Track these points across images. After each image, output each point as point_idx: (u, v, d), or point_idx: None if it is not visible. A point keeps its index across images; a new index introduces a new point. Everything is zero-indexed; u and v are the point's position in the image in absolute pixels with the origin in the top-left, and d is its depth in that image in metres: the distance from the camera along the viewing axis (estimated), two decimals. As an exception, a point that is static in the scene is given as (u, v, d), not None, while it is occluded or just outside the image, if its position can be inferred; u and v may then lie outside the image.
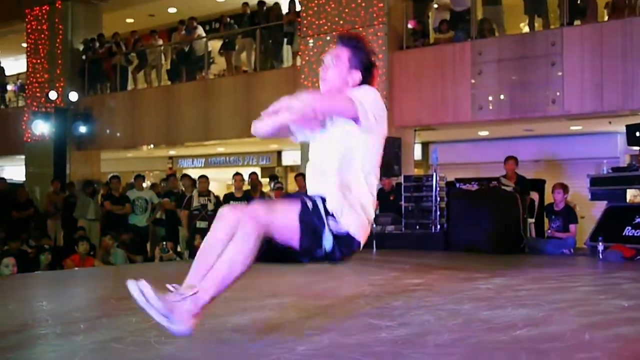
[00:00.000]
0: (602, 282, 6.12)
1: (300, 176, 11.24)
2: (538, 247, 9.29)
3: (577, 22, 11.09)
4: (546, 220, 9.75)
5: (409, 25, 12.55)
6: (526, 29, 12.14)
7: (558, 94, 10.62)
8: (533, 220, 9.89)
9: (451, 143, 15.24)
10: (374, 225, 9.94)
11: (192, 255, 9.72)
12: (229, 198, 10.48)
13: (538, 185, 10.35)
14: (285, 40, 14.06)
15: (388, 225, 10.04)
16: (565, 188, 9.31)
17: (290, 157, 17.85)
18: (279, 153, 18.55)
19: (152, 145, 16.97)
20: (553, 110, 10.80)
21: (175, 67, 15.70)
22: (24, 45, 18.01)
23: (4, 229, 11.17)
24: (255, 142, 16.27)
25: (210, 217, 10.23)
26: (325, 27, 12.50)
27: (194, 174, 12.18)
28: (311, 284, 5.78)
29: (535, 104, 10.93)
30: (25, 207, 12.68)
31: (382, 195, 10.71)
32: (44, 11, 17.09)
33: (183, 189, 11.30)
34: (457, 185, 9.84)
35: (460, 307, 4.33)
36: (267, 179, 13.33)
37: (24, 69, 18.10)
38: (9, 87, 20.14)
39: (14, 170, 21.08)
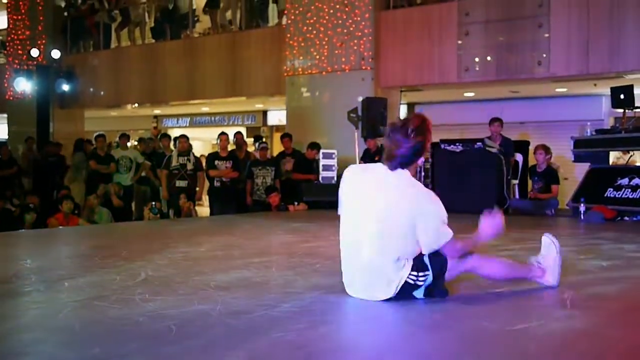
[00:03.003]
0: (583, 242, 6.20)
1: (287, 137, 11.21)
2: (521, 208, 9.38)
3: (564, -17, 11.02)
4: (529, 182, 9.83)
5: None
6: (514, -10, 12.04)
7: (544, 55, 10.60)
8: (517, 181, 9.96)
9: (437, 104, 15.23)
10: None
11: (177, 214, 9.76)
12: (213, 157, 10.45)
13: (522, 147, 10.39)
14: (271, -2, 13.90)
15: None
16: (547, 149, 9.36)
17: (276, 117, 17.78)
18: (265, 113, 18.46)
19: (136, 104, 16.82)
20: (539, 72, 10.79)
21: (160, 25, 15.47)
22: (4, 1, 17.66)
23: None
24: (240, 102, 16.18)
25: (189, 177, 10.22)
26: (312, -15, 12.35)
27: (179, 133, 12.10)
28: (296, 244, 5.82)
29: (521, 65, 10.91)
30: (9, 166, 12.58)
31: (367, 156, 10.72)
32: (24, -34, 16.72)
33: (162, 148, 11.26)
34: (442, 146, 9.86)
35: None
36: (252, 139, 13.29)
37: (5, 26, 17.77)
38: (-11, 44, 19.82)
39: (-3, 129, 20.89)
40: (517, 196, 9.83)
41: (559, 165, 11.01)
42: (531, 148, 10.42)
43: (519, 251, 5.18)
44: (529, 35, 10.73)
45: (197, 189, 10.46)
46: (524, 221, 8.13)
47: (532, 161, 9.98)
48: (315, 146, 10.76)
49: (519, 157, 10.07)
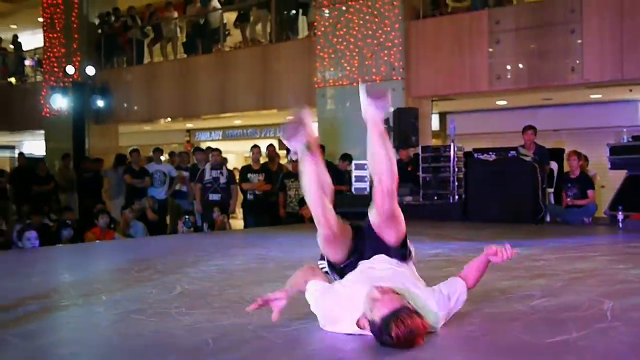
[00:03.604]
0: (622, 251, 6.10)
1: (320, 148, 11.22)
2: (557, 216, 9.26)
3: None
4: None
5: (426, -6, 12.41)
6: (545, -4, 11.95)
7: (577, 62, 10.47)
8: (552, 190, 9.83)
9: (469, 113, 15.12)
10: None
11: (211, 227, 9.82)
12: (246, 170, 10.50)
13: (557, 154, 10.26)
14: (301, 11, 13.96)
15: (406, 196, 10.03)
16: (579, 155, 9.25)
17: (308, 129, 17.80)
18: (296, 125, 18.48)
19: (169, 119, 17.01)
20: (572, 79, 10.66)
21: (191, 40, 15.66)
22: (41, 19, 18.04)
23: (27, 203, 11.31)
24: (271, 114, 16.26)
25: (222, 190, 10.27)
26: (341, -3, 12.40)
27: (212, 146, 12.20)
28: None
29: (554, 72, 10.79)
30: (46, 182, 12.80)
31: (399, 166, 10.64)
32: (59, -15, 17.08)
33: (196, 162, 11.35)
34: (475, 155, 9.78)
35: (478, 277, 4.33)
36: (285, 151, 13.33)
37: (41, 44, 18.16)
38: (27, 62, 20.22)
39: (34, 145, 21.28)
40: (552, 204, 9.71)
41: (596, 172, 10.84)
42: (566, 156, 10.30)
43: (556, 261, 5.11)
44: (561, 41, 10.61)
45: (231, 202, 10.51)
46: (560, 230, 8.02)
47: (567, 169, 9.86)
48: (347, 157, 10.76)
49: (553, 165, 9.95)
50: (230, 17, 15.48)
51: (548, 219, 9.32)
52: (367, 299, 2.56)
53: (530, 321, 3.05)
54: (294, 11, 14.12)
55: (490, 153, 9.56)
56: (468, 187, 9.75)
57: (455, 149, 9.90)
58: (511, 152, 9.36)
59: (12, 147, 23.44)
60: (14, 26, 21.67)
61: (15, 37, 20.42)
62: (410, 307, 2.55)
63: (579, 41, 10.44)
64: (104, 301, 3.75)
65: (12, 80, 20.03)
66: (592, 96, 13.22)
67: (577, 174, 9.20)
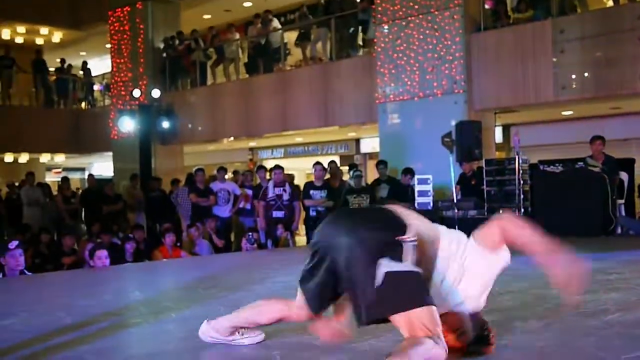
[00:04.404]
0: (700, 264, 5.86)
1: (381, 163, 11.23)
2: (630, 228, 8.97)
3: (665, -7, 10.60)
4: (637, 201, 9.39)
5: (487, 6, 12.27)
6: (610, 3, 11.66)
7: (646, 69, 10.16)
8: (623, 201, 9.53)
9: (533, 124, 14.83)
10: (456, 210, 9.83)
11: (275, 244, 9.90)
12: (309, 187, 10.56)
13: (627, 165, 9.95)
14: (360, 28, 14.02)
15: (470, 210, 9.90)
16: (657, 166, 8.96)
17: (369, 145, 17.80)
18: (357, 141, 18.53)
19: (232, 138, 17.27)
20: (641, 87, 10.35)
21: (253, 60, 15.90)
22: (108, 46, 18.67)
23: (97, 223, 11.63)
24: (333, 131, 16.33)
25: (285, 207, 10.34)
26: (400, 13, 12.37)
27: (274, 164, 12.31)
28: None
29: (622, 80, 10.49)
30: (115, 202, 13.16)
31: (463, 179, 10.56)
32: (125, 12, 17.63)
33: (259, 180, 11.46)
34: (541, 167, 9.59)
35: (548, 291, 4.23)
36: (347, 167, 13.36)
37: (109, 69, 18.78)
38: (96, 87, 20.95)
39: (103, 167, 21.94)
40: (623, 216, 9.41)
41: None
42: (637, 166, 9.99)
43: (630, 274, 4.95)
44: (629, 48, 10.32)
45: (294, 218, 10.57)
46: (633, 242, 7.77)
47: (638, 180, 9.56)
48: (409, 172, 10.70)
49: (624, 175, 9.64)
50: (291, 36, 15.67)
51: (619, 231, 9.04)
52: None
53: (605, 336, 2.97)
54: (353, 28, 14.19)
55: (557, 165, 9.36)
56: (534, 200, 9.56)
57: (520, 161, 9.72)
58: (579, 163, 9.14)
59: (83, 169, 24.22)
60: (83, 53, 22.46)
61: (85, 63, 21.16)
62: None
63: (647, 48, 10.14)
64: (173, 318, 3.82)
65: (82, 105, 20.76)
66: (662, 104, 12.80)
67: (654, 185, 8.91)
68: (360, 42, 14.05)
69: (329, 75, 13.98)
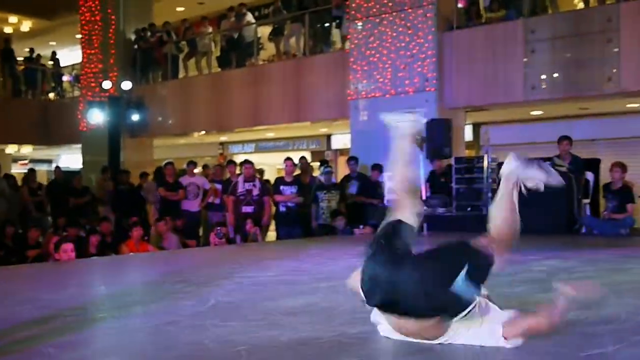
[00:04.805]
0: (661, 263, 5.97)
1: (352, 159, 11.25)
2: (593, 227, 9.11)
3: (634, -4, 10.76)
4: (602, 201, 9.54)
5: (459, 5, 12.35)
6: (581, 5, 11.81)
7: (614, 71, 10.31)
8: (588, 200, 9.67)
9: (503, 123, 14.99)
10: (424, 207, 9.89)
11: (244, 239, 9.87)
12: (279, 183, 10.54)
13: (593, 165, 10.10)
14: (334, 24, 14.02)
15: (439, 207, 9.97)
16: (623, 167, 9.09)
17: (341, 141, 17.83)
18: (329, 137, 18.55)
19: (203, 132, 17.18)
20: (609, 88, 10.49)
21: (225, 54, 15.81)
22: (79, 36, 18.39)
23: (63, 216, 11.49)
24: (304, 127, 16.32)
25: (255, 202, 10.31)
26: (374, 10, 12.39)
27: (245, 159, 12.27)
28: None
29: (590, 82, 10.63)
30: (82, 194, 13.00)
31: (433, 177, 10.63)
32: (96, 2, 17.36)
33: (229, 175, 11.40)
34: (510, 166, 9.68)
35: (512, 289, 4.29)
36: (318, 163, 13.36)
37: (79, 60, 18.51)
38: (65, 78, 20.64)
39: (71, 159, 21.67)
40: (588, 215, 9.55)
41: (634, 183, 10.64)
42: (602, 166, 10.13)
43: (593, 273, 5.03)
44: (598, 50, 10.47)
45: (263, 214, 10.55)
46: (596, 241, 7.90)
47: (603, 179, 9.70)
48: (378, 167, 10.76)
49: (589, 175, 9.79)
50: (264, 31, 15.61)
51: (584, 230, 9.18)
52: None
53: (567, 334, 3.01)
54: (327, 24, 14.19)
55: (525, 164, 9.45)
56: (502, 199, 9.64)
57: (489, 159, 9.81)
58: (546, 162, 9.24)
59: (50, 161, 23.88)
60: (53, 43, 22.14)
61: (54, 53, 20.87)
62: None
63: (616, 50, 10.29)
64: (139, 313, 3.79)
65: (51, 95, 20.46)
66: (629, 105, 12.99)
67: (619, 186, 9.04)
68: (338, 39, 14.04)
69: (302, 71, 13.96)
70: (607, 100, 11.68)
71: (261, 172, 14.96)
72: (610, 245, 7.30)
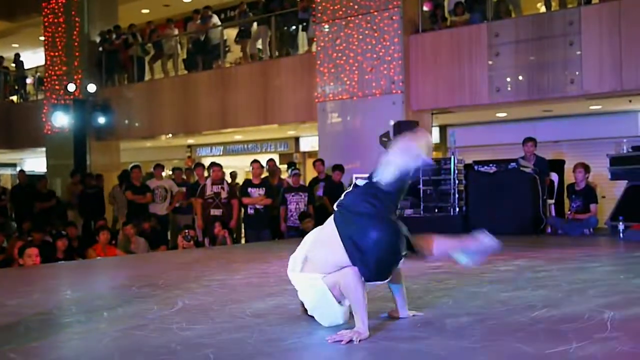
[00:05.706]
0: (623, 261, 6.09)
1: (319, 161, 11.26)
2: (558, 227, 9.26)
3: (595, 0, 10.96)
4: (567, 201, 9.69)
5: (425, 8, 12.47)
6: (543, 9, 12.01)
7: (577, 73, 10.51)
8: (553, 201, 9.84)
9: (469, 125, 15.16)
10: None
11: (212, 242, 9.82)
12: (247, 185, 10.51)
13: (557, 166, 10.28)
14: (301, 27, 14.05)
15: (407, 209, 10.03)
16: (586, 168, 9.26)
17: (308, 143, 17.86)
18: (297, 139, 18.57)
19: (170, 135, 17.06)
20: (572, 91, 10.69)
21: (192, 57, 15.74)
22: (42, 38, 18.14)
23: (28, 220, 11.31)
24: (272, 129, 16.31)
25: (223, 205, 10.27)
26: (340, 12, 12.44)
27: (213, 161, 12.21)
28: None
29: (553, 84, 10.83)
30: (48, 198, 12.82)
31: (400, 179, 10.68)
32: (60, 4, 17.16)
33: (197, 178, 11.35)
34: (476, 167, 9.80)
35: (479, 289, 4.35)
36: (286, 166, 13.36)
37: (43, 62, 18.25)
38: (28, 81, 20.33)
39: (35, 162, 21.34)
40: (553, 216, 9.71)
41: (597, 183, 10.85)
42: (567, 167, 10.31)
43: (557, 272, 5.11)
44: (560, 53, 10.66)
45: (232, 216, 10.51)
46: (561, 241, 8.02)
47: (568, 180, 9.86)
48: (338, 168, 10.79)
49: (554, 176, 9.96)
50: (231, 33, 15.57)
51: (549, 230, 9.33)
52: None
53: (531, 332, 3.06)
54: (294, 27, 14.21)
55: (491, 165, 9.58)
56: (469, 200, 9.76)
57: (456, 161, 9.91)
58: (511, 164, 9.38)
59: (14, 165, 23.50)
60: (16, 45, 21.81)
61: (17, 55, 20.54)
62: None
63: (578, 53, 10.49)
64: (105, 317, 3.75)
65: (14, 98, 20.13)
66: (591, 107, 13.24)
67: (582, 186, 9.20)
68: (305, 41, 14.06)
69: (269, 73, 13.96)
70: (570, 102, 11.88)
71: (234, 175, 14.93)
72: (575, 245, 7.42)
